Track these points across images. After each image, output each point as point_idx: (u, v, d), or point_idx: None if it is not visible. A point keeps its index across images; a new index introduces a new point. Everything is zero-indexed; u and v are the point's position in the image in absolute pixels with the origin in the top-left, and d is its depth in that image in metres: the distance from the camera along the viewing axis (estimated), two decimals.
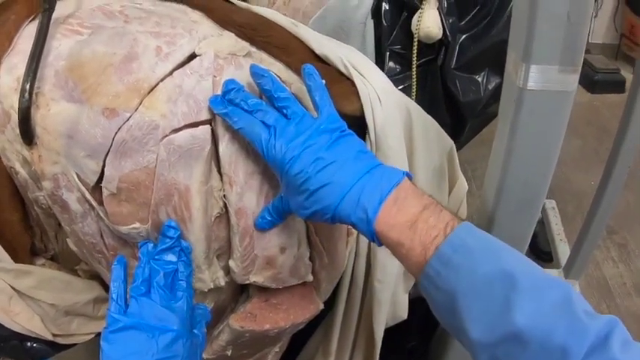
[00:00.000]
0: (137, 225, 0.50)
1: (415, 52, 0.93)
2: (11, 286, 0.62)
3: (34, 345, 0.68)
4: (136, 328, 0.47)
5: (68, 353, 0.71)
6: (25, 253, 0.64)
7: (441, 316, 0.44)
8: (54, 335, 0.66)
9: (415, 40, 0.92)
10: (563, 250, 1.46)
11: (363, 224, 0.45)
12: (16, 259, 0.63)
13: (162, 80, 0.49)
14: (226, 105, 0.48)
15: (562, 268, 1.38)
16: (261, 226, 0.52)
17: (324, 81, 0.50)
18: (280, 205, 0.51)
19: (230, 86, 0.48)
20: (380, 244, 0.46)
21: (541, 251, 1.54)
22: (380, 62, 0.99)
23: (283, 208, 0.50)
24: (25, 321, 0.63)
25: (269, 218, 0.51)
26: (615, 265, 1.56)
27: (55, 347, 0.68)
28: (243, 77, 0.52)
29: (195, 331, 0.53)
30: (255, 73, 0.49)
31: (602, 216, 1.21)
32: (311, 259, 0.58)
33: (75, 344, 0.69)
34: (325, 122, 0.47)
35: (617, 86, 2.27)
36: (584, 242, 1.27)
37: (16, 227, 0.61)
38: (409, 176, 0.47)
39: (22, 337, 0.66)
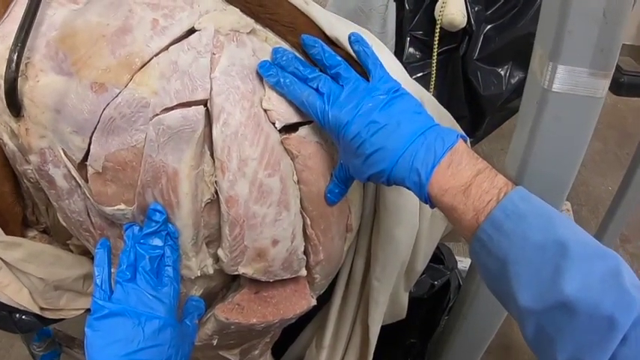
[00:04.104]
0: (122, 206, 0.48)
1: (437, 39, 0.88)
2: (1, 258, 0.60)
3: (23, 317, 0.67)
4: (122, 314, 0.46)
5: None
6: (16, 225, 0.62)
7: (490, 282, 0.44)
8: (42, 309, 0.65)
9: (437, 26, 0.88)
10: None
11: (417, 188, 0.45)
12: (7, 230, 0.61)
13: (156, 55, 0.46)
14: (277, 72, 0.48)
15: None
16: (333, 201, 0.52)
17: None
18: (342, 173, 0.51)
19: (281, 53, 0.49)
20: (433, 207, 0.46)
21: None
22: (400, 47, 0.95)
23: (345, 175, 0.51)
24: (13, 293, 0.62)
25: (337, 190, 0.52)
26: None
27: (43, 320, 0.67)
28: (245, 55, 0.48)
29: (187, 321, 0.52)
30: (307, 43, 0.49)
31: (618, 223, 1.16)
32: (305, 253, 0.55)
33: (63, 319, 0.68)
34: (377, 84, 0.47)
35: None
36: None
37: (7, 199, 0.60)
38: (464, 138, 0.47)
39: (11, 309, 0.65)
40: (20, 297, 0.63)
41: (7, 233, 0.61)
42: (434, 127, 0.46)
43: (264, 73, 0.48)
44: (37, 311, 0.64)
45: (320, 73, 0.48)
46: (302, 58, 0.50)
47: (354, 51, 0.49)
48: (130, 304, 0.46)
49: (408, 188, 0.46)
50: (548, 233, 0.40)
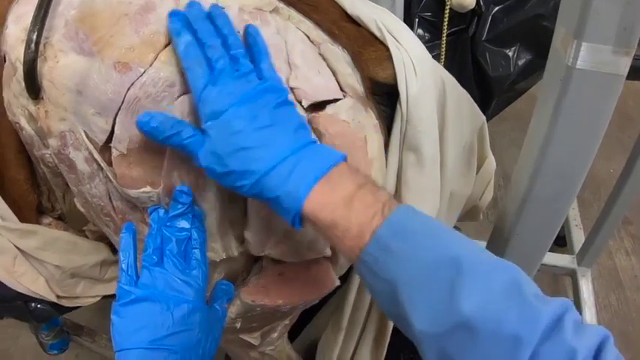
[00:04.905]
0: (148, 189, 0.47)
1: (446, 20, 0.87)
2: (16, 246, 0.59)
3: (39, 306, 0.66)
4: (150, 299, 0.45)
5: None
6: (32, 212, 0.61)
7: (383, 305, 0.41)
8: (58, 297, 0.64)
9: (447, 8, 0.87)
10: (577, 236, 1.43)
11: (289, 200, 0.40)
12: (22, 218, 0.60)
13: None
14: (183, 25, 0.43)
15: (576, 254, 1.35)
16: (141, 121, 0.42)
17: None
18: (185, 138, 0.42)
19: (196, 7, 0.44)
20: (300, 227, 0.42)
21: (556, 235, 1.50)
22: None
23: (181, 141, 0.42)
24: (29, 282, 0.61)
25: (154, 124, 0.42)
26: (628, 256, 1.53)
27: (59, 309, 0.67)
28: (269, 34, 0.48)
29: (216, 305, 0.51)
30: (215, 13, 0.44)
31: (621, 205, 1.17)
32: None
33: (80, 307, 0.67)
34: (270, 83, 0.43)
35: None
36: (600, 230, 1.23)
37: (22, 186, 0.58)
38: (345, 160, 0.43)
39: (27, 298, 0.64)
40: (36, 286, 0.62)
41: (21, 221, 0.60)
42: (316, 144, 0.43)
43: (172, 18, 0.43)
44: (54, 300, 0.63)
45: (221, 46, 0.43)
46: (211, 24, 0.44)
47: (248, 42, 0.45)
48: (158, 288, 0.45)
49: (272, 200, 0.41)
50: (439, 250, 0.37)
